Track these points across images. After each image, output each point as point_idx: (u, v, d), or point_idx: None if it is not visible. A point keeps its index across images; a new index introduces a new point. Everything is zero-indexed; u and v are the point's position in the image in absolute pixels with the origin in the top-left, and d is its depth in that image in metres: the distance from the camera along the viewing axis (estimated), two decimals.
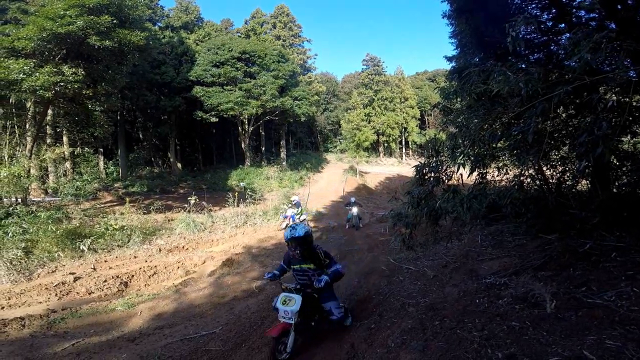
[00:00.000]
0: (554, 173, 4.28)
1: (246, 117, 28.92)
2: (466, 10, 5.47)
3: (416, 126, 49.77)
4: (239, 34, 37.43)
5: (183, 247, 10.07)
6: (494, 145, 3.70)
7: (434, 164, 3.92)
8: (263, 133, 34.52)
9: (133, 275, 7.43)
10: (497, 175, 4.34)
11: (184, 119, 28.79)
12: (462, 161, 3.59)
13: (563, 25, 4.95)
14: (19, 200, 11.68)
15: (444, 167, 3.85)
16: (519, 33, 3.03)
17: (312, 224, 12.89)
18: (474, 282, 3.62)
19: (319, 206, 18.34)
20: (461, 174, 3.81)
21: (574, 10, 4.70)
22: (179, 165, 30.56)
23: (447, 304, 3.25)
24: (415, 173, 4.07)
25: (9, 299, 6.01)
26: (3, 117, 13.48)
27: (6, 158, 11.59)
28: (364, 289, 4.78)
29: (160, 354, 3.60)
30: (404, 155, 52.13)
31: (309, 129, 47.64)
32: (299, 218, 11.58)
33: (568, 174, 4.17)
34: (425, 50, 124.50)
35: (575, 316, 2.39)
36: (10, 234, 8.42)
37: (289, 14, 40.22)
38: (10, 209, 10.03)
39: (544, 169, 4.25)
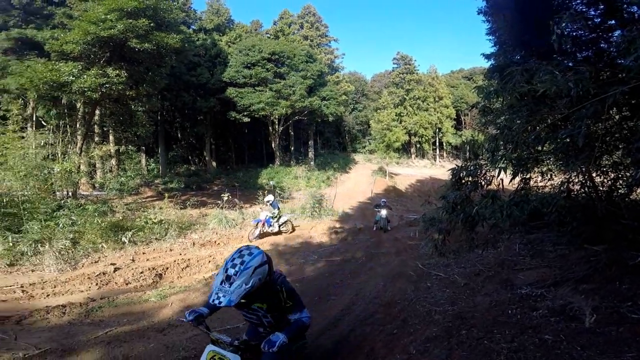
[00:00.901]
0: (605, 180, 3.94)
1: (276, 117, 29.44)
2: (503, 6, 5.22)
3: (451, 127, 47.97)
4: (268, 35, 38.15)
5: (215, 241, 10.40)
6: (539, 149, 3.47)
7: (471, 168, 3.74)
8: (292, 133, 34.97)
9: (167, 268, 7.69)
10: (541, 181, 4.07)
11: (219, 119, 29.81)
12: (503, 165, 3.38)
13: (613, 21, 4.58)
14: (70, 194, 12.62)
15: (483, 171, 3.65)
16: (565, 30, 2.82)
17: (337, 225, 12.82)
18: (507, 292, 3.46)
19: (346, 207, 18.25)
20: (501, 179, 3.61)
21: (625, 6, 4.33)
22: (214, 163, 31.74)
23: (476, 314, 3.12)
24: (450, 176, 3.90)
25: (55, 287, 6.38)
26: (57, 117, 14.64)
27: (59, 155, 12.58)
28: (389, 293, 4.69)
29: (184, 345, 3.72)
30: (437, 157, 50.45)
31: (337, 129, 47.53)
32: (276, 221, 10.86)
33: (621, 182, 3.82)
34: (460, 48, 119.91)
35: (615, 331, 2.22)
36: (60, 225, 8.93)
37: (316, 14, 40.48)
38: (62, 202, 10.73)
39: (593, 175, 3.93)
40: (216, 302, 1.92)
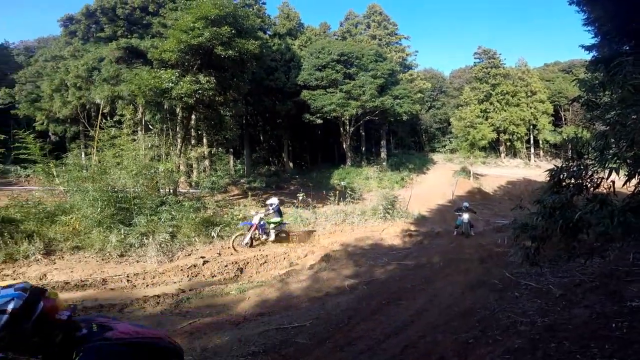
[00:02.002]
0: None
1: (347, 117, 29.58)
2: None
3: (549, 123, 42.01)
4: (336, 37, 38.53)
5: (290, 239, 10.85)
6: None
7: (574, 168, 3.28)
8: (363, 133, 34.71)
9: (248, 263, 8.14)
10: None
11: (295, 122, 31.26)
12: (614, 165, 2.87)
13: None
14: (171, 191, 14.41)
15: (589, 172, 3.18)
16: None
17: (412, 228, 12.19)
18: (614, 304, 3.05)
19: (422, 209, 17.27)
20: (612, 181, 3.06)
21: None
22: (291, 164, 33.48)
23: (570, 326, 2.78)
24: (548, 178, 3.48)
25: (153, 277, 7.05)
26: (160, 121, 16.92)
27: (163, 156, 14.59)
28: (467, 301, 4.31)
29: (255, 340, 3.87)
30: (532, 156, 44.57)
31: (412, 128, 45.51)
32: (273, 228, 9.73)
33: None
34: (551, 40, 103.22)
35: None
36: (162, 220, 9.79)
37: (382, 13, 39.57)
38: (164, 198, 11.83)
39: None
40: None
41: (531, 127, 42.46)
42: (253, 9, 27.93)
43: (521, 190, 23.99)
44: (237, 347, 3.72)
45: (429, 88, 43.11)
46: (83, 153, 20.99)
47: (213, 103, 17.36)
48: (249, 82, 20.92)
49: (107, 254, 8.17)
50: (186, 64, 15.84)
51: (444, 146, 46.57)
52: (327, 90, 27.96)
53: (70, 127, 28.08)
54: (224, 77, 17.16)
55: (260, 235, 9.73)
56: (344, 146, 32.01)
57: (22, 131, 11.09)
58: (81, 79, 21.45)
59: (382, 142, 35.30)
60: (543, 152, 46.14)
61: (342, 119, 29.95)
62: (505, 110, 41.12)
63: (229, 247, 9.49)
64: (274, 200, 10.49)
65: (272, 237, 9.79)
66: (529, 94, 41.71)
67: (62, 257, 7.93)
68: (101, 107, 20.85)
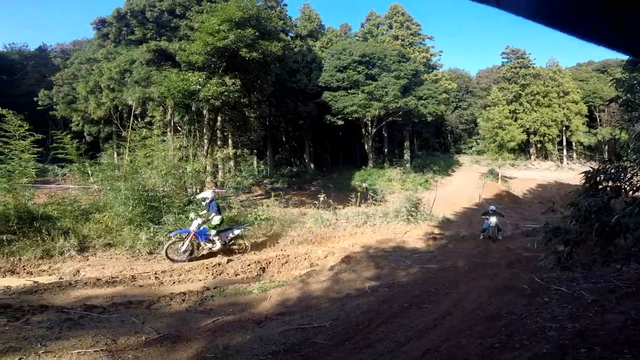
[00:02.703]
0: None
1: (369, 119, 29.34)
2: None
3: (582, 124, 39.98)
4: (357, 38, 38.33)
5: (311, 240, 10.86)
6: None
7: (612, 171, 3.20)
8: (386, 134, 34.33)
9: (270, 262, 8.22)
10: None
11: (316, 123, 31.43)
12: None
13: None
14: (198, 190, 14.95)
15: (628, 175, 3.10)
16: None
17: (435, 231, 11.90)
18: None
19: (447, 212, 16.82)
20: None
21: None
22: (312, 165, 33.66)
23: (602, 332, 2.68)
24: (584, 181, 3.41)
25: (180, 275, 7.21)
26: (188, 123, 17.52)
27: (191, 156, 15.08)
28: (494, 306, 4.18)
29: (276, 339, 3.90)
30: (564, 159, 42.50)
31: (437, 129, 44.52)
32: (216, 234, 8.28)
33: None
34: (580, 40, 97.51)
35: None
36: (189, 219, 9.74)
37: (404, 13, 39.08)
38: (192, 197, 12.12)
39: None
40: None
41: (563, 128, 40.66)
42: (275, 11, 28.34)
43: (552, 194, 22.89)
44: (258, 346, 3.76)
45: (454, 88, 42.23)
46: (116, 153, 22.02)
47: (238, 104, 17.74)
48: (272, 84, 21.23)
49: (137, 252, 8.44)
50: (212, 66, 16.24)
51: (471, 147, 45.32)
52: (349, 91, 27.89)
53: (104, 128, 29.57)
54: (249, 79, 17.48)
55: (204, 244, 8.28)
56: (366, 147, 31.79)
57: (60, 131, 11.72)
58: (114, 81, 22.37)
59: (405, 143, 34.78)
60: (576, 154, 43.98)
61: (364, 120, 29.78)
62: (535, 111, 39.70)
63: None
64: (207, 194, 8.74)
65: (218, 245, 8.34)
66: (561, 94, 40.09)
67: (95, 254, 8.25)
68: (133, 108, 21.79)
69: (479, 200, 21.57)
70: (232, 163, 24.10)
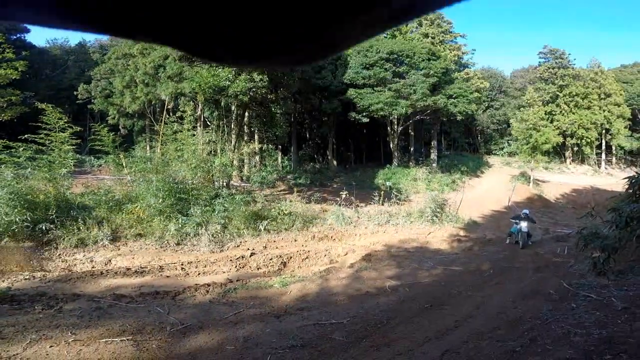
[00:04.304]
0: None
1: (395, 117, 28.81)
2: None
3: (624, 128, 37.56)
4: (385, 35, 37.57)
5: (331, 237, 10.89)
6: None
7: None
8: (412, 133, 33.59)
9: (291, 257, 8.35)
10: None
11: (340, 120, 31.24)
12: None
13: None
14: (224, 184, 15.31)
15: None
16: None
17: (461, 233, 11.59)
18: None
19: (474, 214, 16.29)
20: None
21: None
22: (335, 162, 33.61)
23: (631, 339, 2.60)
24: (627, 186, 3.33)
25: (205, 266, 7.40)
26: (217, 118, 17.98)
27: (219, 151, 15.51)
28: (518, 310, 4.07)
29: (294, 334, 3.95)
30: (602, 163, 39.97)
31: (467, 128, 43.06)
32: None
33: None
34: (631, 41, 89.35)
35: None
36: (216, 211, 10.29)
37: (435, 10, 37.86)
38: (219, 190, 12.54)
39: None
40: None
41: (603, 131, 38.18)
42: None
43: (588, 200, 21.58)
44: (277, 339, 3.82)
45: (486, 87, 40.75)
46: (148, 146, 23.07)
47: (265, 100, 18.03)
48: (297, 80, 21.35)
49: (166, 242, 8.71)
50: None
51: (502, 149, 43.54)
52: (375, 88, 27.46)
53: (138, 121, 30.93)
54: (275, 75, 17.69)
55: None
56: (391, 146, 31.30)
57: (97, 124, 12.41)
58: (148, 76, 23.19)
59: (432, 143, 33.90)
60: (616, 158, 41.20)
61: (390, 118, 29.29)
62: (573, 113, 37.55)
63: (274, 241, 9.77)
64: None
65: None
66: (603, 96, 37.63)
67: (126, 244, 8.53)
68: (166, 103, 22.66)
69: (509, 203, 20.74)
70: (257, 158, 24.53)
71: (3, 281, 5.87)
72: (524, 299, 4.46)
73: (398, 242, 9.95)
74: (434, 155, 33.04)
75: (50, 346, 3.28)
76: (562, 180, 31.46)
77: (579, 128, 37.18)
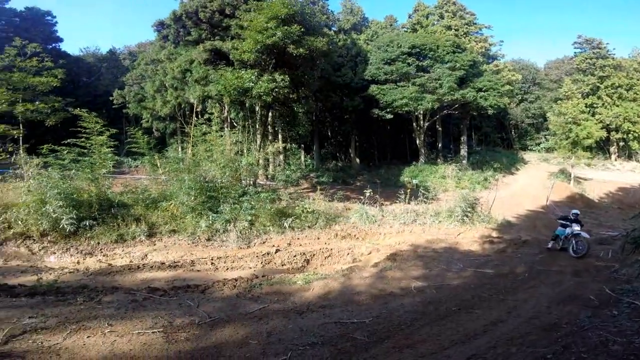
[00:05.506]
0: None
1: (421, 112, 28.10)
2: None
3: None
4: (405, 29, 36.66)
5: (354, 235, 10.82)
6: None
7: None
8: (440, 128, 32.62)
9: (314, 255, 8.41)
10: None
11: (362, 117, 30.87)
12: None
13: None
14: (251, 182, 15.62)
15: None
16: None
17: (493, 234, 11.08)
18: None
19: (508, 214, 15.52)
20: None
21: None
22: (357, 160, 33.34)
23: None
24: None
25: (233, 261, 7.63)
26: (243, 119, 18.47)
27: (245, 150, 15.90)
28: (553, 315, 3.87)
29: (315, 331, 3.97)
30: None
31: (499, 123, 41.15)
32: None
33: None
34: None
35: None
36: (243, 209, 10.68)
37: (456, 2, 36.72)
38: (246, 189, 12.83)
39: None
40: None
41: None
42: (317, 6, 28.17)
43: (636, 199, 19.95)
44: (299, 336, 3.87)
45: (519, 80, 38.82)
46: (180, 147, 24.03)
47: (287, 100, 18.31)
48: (318, 79, 21.39)
49: (197, 238, 9.18)
50: (263, 63, 16.92)
51: (538, 144, 41.36)
52: (398, 84, 26.87)
53: (169, 124, 32.34)
54: (296, 74, 17.91)
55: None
56: (417, 142, 30.53)
57: (132, 127, 13.17)
58: (177, 80, 24.11)
59: (462, 138, 32.72)
60: None
61: (416, 113, 28.59)
62: (617, 106, 34.92)
63: (298, 239, 9.93)
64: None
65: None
66: None
67: (161, 239, 9.07)
68: (194, 106, 23.52)
69: (547, 202, 19.57)
70: (281, 157, 24.90)
71: (50, 274, 6.37)
72: (560, 304, 4.22)
73: (425, 242, 9.69)
74: (463, 152, 31.88)
75: (88, 336, 3.51)
76: (607, 177, 29.37)
77: (624, 121, 34.59)
